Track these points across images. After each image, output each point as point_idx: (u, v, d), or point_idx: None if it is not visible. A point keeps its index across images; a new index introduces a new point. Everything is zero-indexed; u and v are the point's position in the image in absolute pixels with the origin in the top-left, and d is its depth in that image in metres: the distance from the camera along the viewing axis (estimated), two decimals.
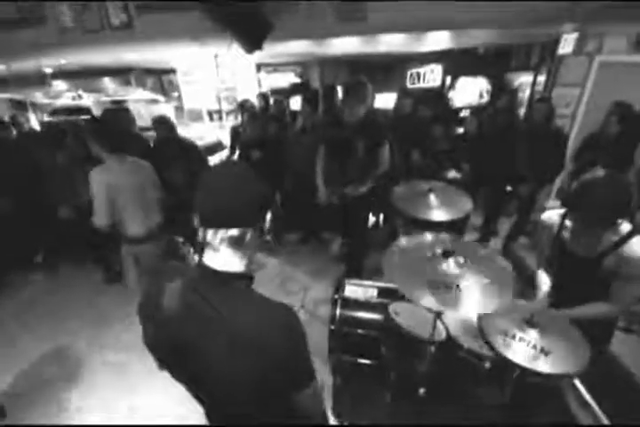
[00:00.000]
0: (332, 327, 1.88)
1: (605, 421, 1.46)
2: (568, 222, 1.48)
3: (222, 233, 0.76)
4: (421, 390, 1.60)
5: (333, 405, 1.83)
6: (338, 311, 1.90)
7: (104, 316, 2.80)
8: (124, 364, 2.32)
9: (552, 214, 1.55)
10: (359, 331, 1.88)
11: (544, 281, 1.63)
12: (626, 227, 1.35)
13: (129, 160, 2.08)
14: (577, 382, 1.68)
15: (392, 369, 1.75)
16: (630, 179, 2.66)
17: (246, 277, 0.80)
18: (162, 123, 2.94)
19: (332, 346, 1.91)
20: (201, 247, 0.79)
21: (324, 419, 0.92)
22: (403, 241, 1.56)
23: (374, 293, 2.03)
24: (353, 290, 2.05)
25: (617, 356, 1.94)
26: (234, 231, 0.76)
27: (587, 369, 1.13)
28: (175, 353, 0.76)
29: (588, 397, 1.52)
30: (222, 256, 0.77)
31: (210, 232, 0.76)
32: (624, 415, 1.50)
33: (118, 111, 3.34)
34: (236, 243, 0.77)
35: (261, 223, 0.81)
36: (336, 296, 1.98)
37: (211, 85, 6.28)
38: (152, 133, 3.18)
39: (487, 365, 1.52)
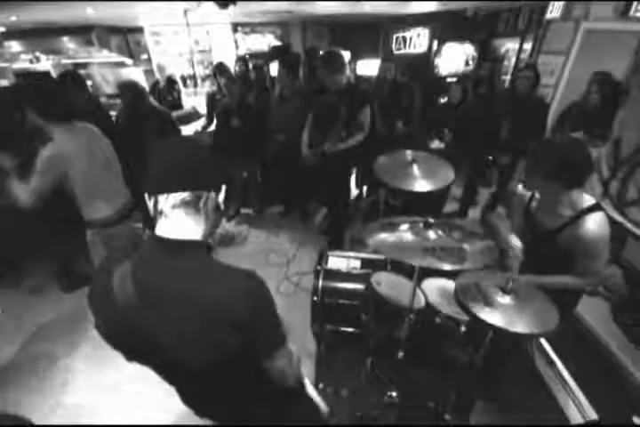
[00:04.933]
0: (315, 299, 1.91)
1: (569, 378, 1.58)
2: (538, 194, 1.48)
3: (173, 198, 0.72)
4: (400, 354, 1.68)
5: (317, 372, 1.91)
6: (320, 283, 1.92)
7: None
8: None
9: None
10: (341, 301, 1.92)
11: (516, 243, 1.65)
12: (586, 201, 1.33)
13: (78, 127, 1.70)
14: (543, 342, 1.80)
15: (373, 336, 1.82)
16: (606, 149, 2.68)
17: (203, 246, 0.76)
18: (130, 88, 2.69)
19: (315, 317, 1.96)
20: (152, 220, 0.75)
21: (299, 383, 0.94)
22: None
23: (357, 263, 2.05)
24: (335, 261, 2.07)
25: (582, 317, 2.08)
26: (185, 195, 0.73)
27: (553, 330, 1.18)
28: (134, 337, 0.73)
29: (553, 355, 1.65)
30: (175, 222, 0.74)
31: (162, 199, 0.72)
32: (586, 373, 1.63)
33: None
34: (188, 206, 0.74)
35: (217, 190, 0.78)
36: (319, 268, 2.00)
37: (183, 47, 5.80)
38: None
39: (463, 329, 1.59)
